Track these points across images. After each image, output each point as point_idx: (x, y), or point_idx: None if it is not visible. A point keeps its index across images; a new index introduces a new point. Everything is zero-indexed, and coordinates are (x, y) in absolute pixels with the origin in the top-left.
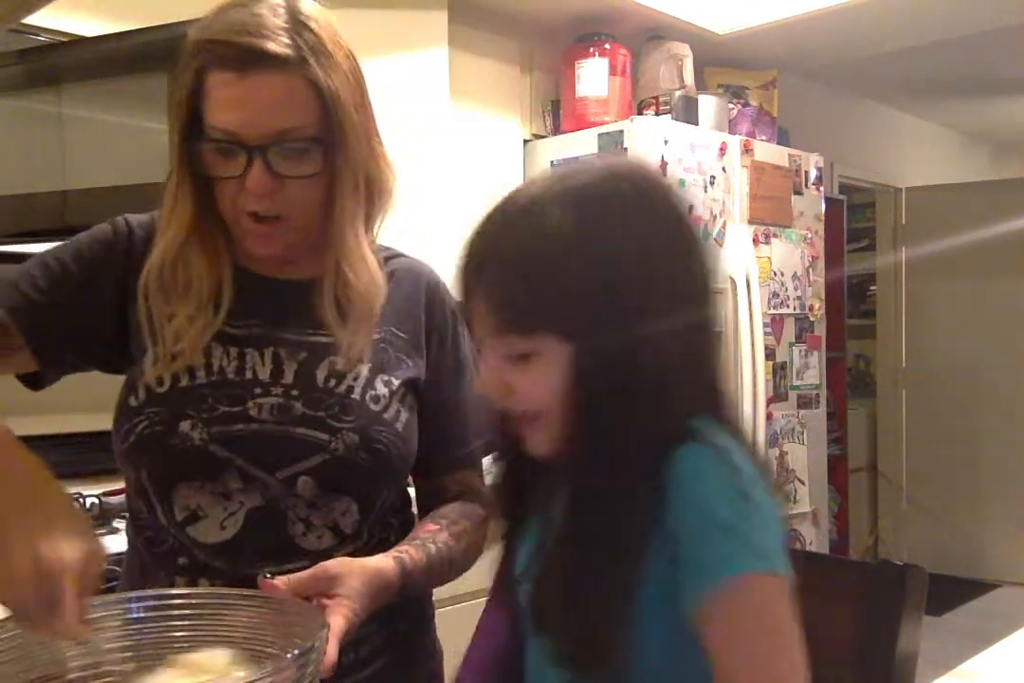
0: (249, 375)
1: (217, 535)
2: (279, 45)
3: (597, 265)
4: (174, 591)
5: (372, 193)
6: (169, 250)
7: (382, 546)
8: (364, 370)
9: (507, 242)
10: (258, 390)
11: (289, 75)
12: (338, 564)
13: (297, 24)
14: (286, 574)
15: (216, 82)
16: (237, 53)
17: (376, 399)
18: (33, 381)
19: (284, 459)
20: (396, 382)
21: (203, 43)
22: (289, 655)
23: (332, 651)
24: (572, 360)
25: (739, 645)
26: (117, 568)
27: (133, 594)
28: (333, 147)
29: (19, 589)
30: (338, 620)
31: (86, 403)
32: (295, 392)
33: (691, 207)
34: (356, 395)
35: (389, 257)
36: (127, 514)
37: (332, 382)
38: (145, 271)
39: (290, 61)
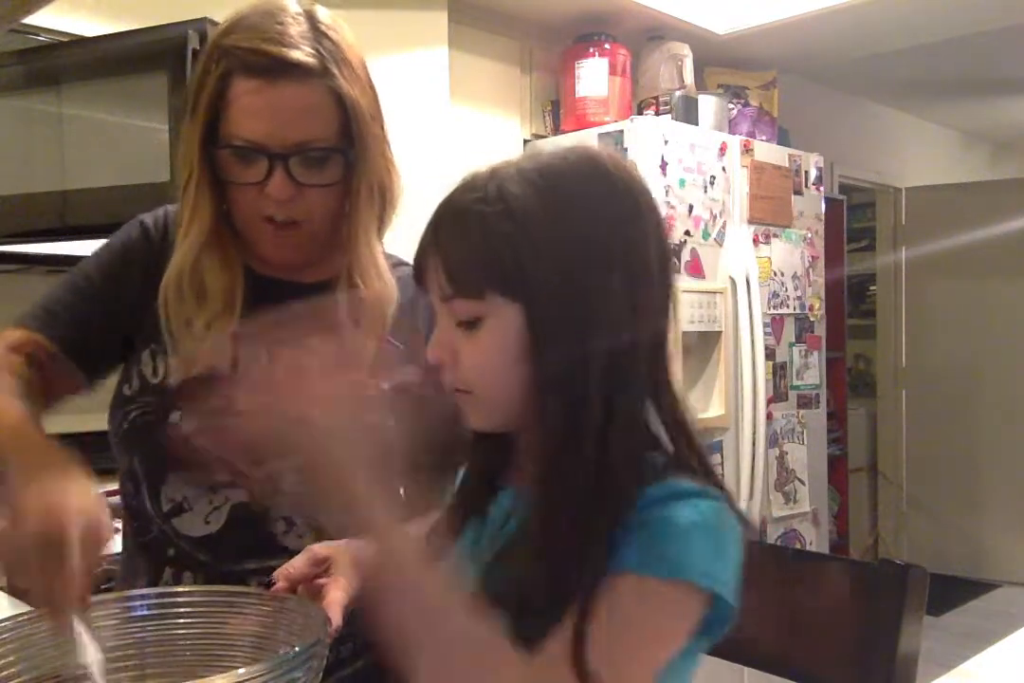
0: None
1: (201, 529)
2: (304, 54)
3: (549, 230)
4: (179, 589)
5: (384, 201)
6: (187, 258)
7: None
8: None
9: (465, 203)
10: None
11: (314, 85)
12: (324, 547)
13: (318, 33)
14: (268, 571)
15: (241, 89)
16: (263, 61)
17: None
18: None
19: (270, 455)
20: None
21: (228, 49)
22: (296, 650)
23: (337, 617)
24: (522, 326)
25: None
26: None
27: (137, 592)
28: (352, 157)
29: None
30: (337, 593)
31: (86, 403)
32: None
33: (650, 192)
34: None
35: (395, 264)
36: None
37: None
38: (165, 279)
39: (315, 71)
